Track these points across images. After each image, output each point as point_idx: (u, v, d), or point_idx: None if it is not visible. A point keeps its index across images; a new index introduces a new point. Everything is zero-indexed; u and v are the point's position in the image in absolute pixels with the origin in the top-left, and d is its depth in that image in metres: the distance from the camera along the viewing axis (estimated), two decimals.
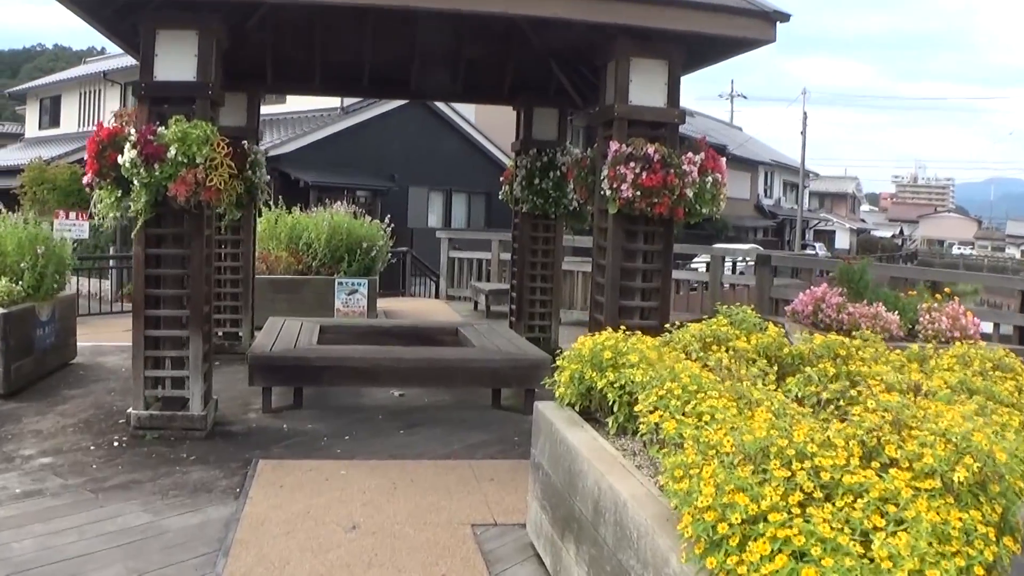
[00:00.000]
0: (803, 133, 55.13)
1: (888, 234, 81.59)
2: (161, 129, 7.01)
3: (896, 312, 9.41)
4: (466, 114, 31.08)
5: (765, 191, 59.45)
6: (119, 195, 7.25)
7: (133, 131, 7.07)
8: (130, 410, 7.51)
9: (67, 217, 13.44)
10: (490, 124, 31.83)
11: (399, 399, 8.99)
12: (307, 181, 25.05)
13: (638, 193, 7.31)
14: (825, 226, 68.92)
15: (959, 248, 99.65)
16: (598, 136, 8.23)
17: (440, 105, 29.59)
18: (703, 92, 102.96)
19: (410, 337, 10.12)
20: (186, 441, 7.28)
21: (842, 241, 67.63)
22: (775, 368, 4.98)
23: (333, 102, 27.58)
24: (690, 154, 7.57)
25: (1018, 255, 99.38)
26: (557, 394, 5.15)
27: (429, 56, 11.14)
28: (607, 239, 7.78)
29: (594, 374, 4.85)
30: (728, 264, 28.40)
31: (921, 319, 9.42)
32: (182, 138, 6.88)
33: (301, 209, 15.51)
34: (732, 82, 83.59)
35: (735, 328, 5.56)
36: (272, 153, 24.61)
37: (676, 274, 15.54)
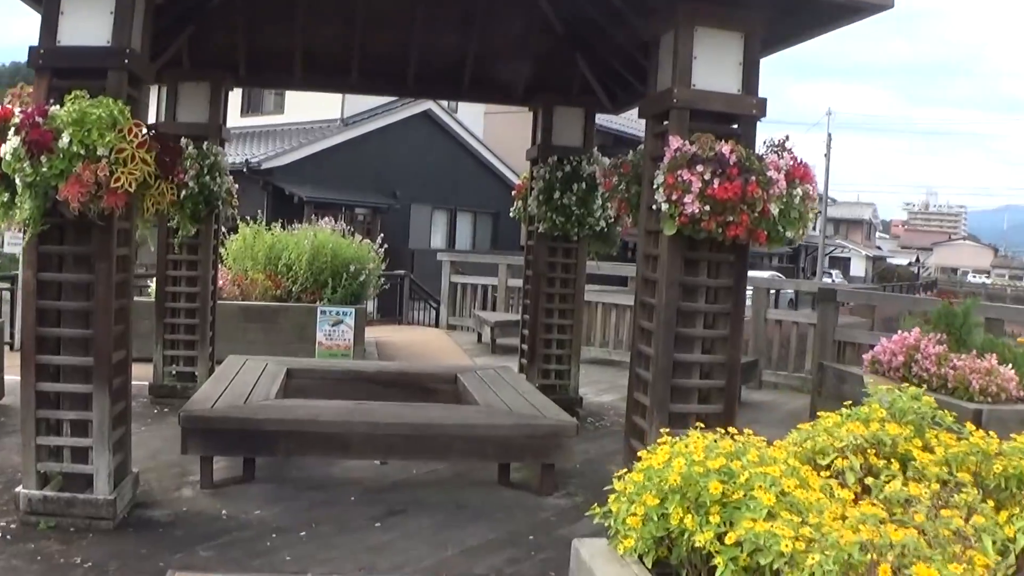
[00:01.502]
0: (827, 156, 53.25)
1: (904, 261, 79.51)
2: (55, 108, 5.05)
3: (1011, 366, 7.47)
4: (474, 128, 29.11)
5: None
6: (5, 199, 5.28)
7: (18, 111, 5.10)
8: (19, 489, 5.52)
9: None
10: (499, 140, 29.95)
11: (380, 467, 6.97)
12: (302, 196, 23.07)
13: (707, 208, 5.39)
14: (841, 253, 66.92)
15: (974, 276, 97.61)
16: (646, 133, 6.26)
17: (446, 118, 27.65)
18: None
19: (398, 385, 8.14)
20: (89, 534, 5.34)
21: (857, 268, 65.67)
22: (991, 503, 2.95)
23: (332, 113, 25.60)
24: (774, 158, 5.60)
25: None
26: (617, 546, 3.12)
27: (430, 46, 9.21)
28: (658, 270, 5.84)
29: (688, 517, 2.83)
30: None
31: None
32: (78, 120, 4.94)
33: (282, 226, 13.42)
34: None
35: (898, 422, 3.53)
36: (265, 166, 22.99)
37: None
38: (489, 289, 15.93)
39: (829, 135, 53.76)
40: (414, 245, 26.74)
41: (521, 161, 27.90)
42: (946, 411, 4.20)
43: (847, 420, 3.65)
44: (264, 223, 13.41)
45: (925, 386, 7.42)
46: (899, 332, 8.19)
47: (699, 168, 5.38)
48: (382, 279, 13.78)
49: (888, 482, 3.03)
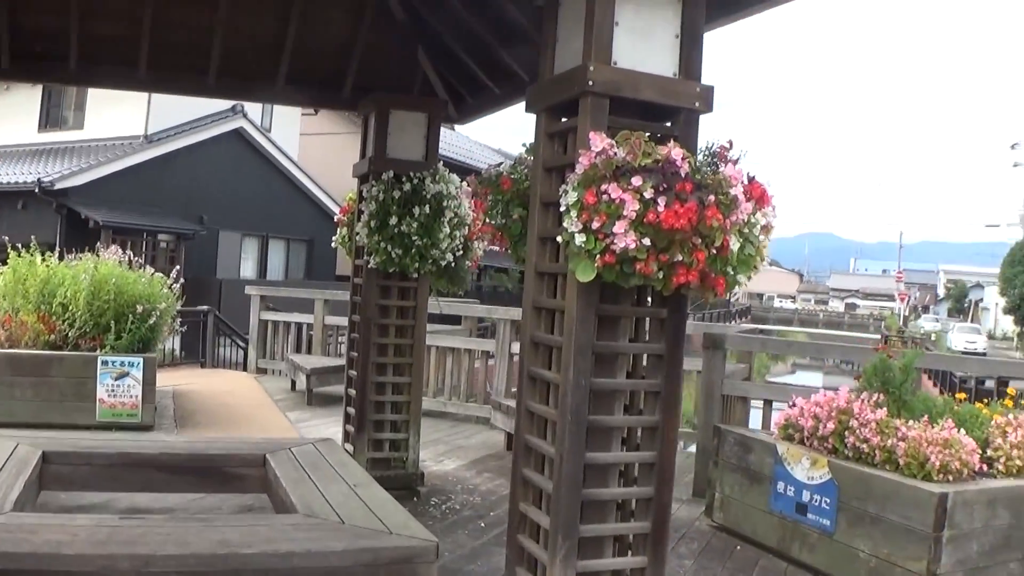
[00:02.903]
0: None
1: None
2: None
3: (963, 432, 5.93)
4: (288, 149, 26.63)
5: None
6: None
7: None
8: None
9: None
10: (314, 163, 27.66)
11: None
12: (98, 220, 20.22)
13: (645, 241, 3.45)
14: None
15: (780, 301, 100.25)
16: (538, 132, 4.31)
17: (259, 137, 25.14)
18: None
19: (190, 472, 5.91)
20: None
21: None
22: None
23: (136, 128, 22.71)
24: (732, 170, 3.73)
25: (842, 308, 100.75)
26: None
27: (238, 32, 7.12)
28: (565, 331, 3.93)
29: None
30: None
31: (996, 440, 6.02)
32: None
33: (75, 254, 10.76)
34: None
35: None
36: (59, 186, 20.19)
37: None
38: (304, 327, 13.63)
39: None
40: (223, 275, 24.10)
41: (339, 186, 25.54)
42: None
43: None
44: (56, 251, 10.77)
45: (870, 459, 5.85)
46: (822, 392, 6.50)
47: (635, 182, 3.47)
48: (178, 320, 11.31)
49: None
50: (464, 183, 7.05)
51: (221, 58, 7.13)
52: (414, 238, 6.75)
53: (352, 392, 7.21)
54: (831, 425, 6.08)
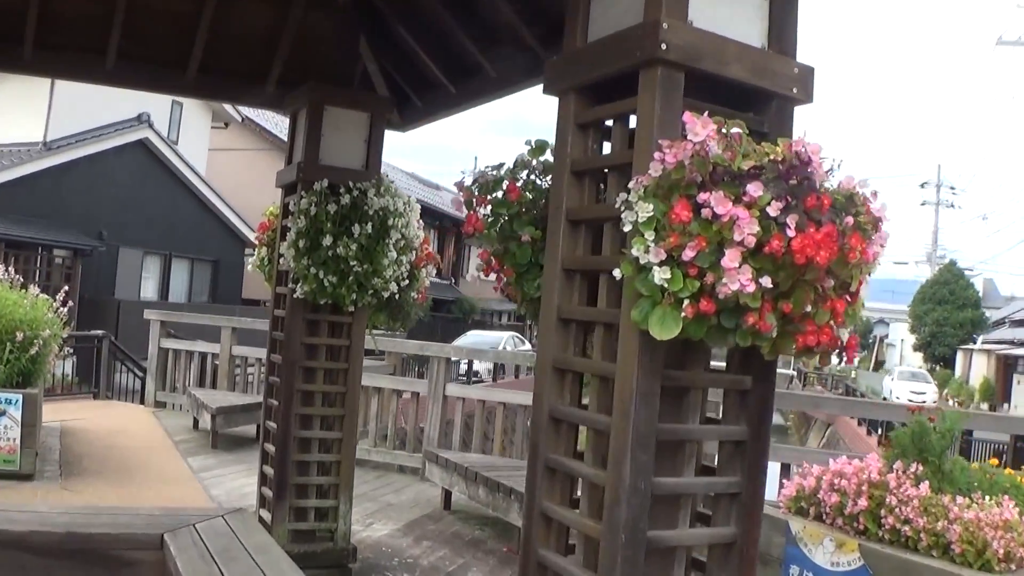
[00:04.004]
0: None
1: None
2: None
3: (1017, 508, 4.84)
4: (195, 163, 24.83)
5: None
6: None
7: None
8: None
9: None
10: (222, 178, 25.98)
11: None
12: None
13: (764, 283, 2.23)
14: None
15: None
16: (563, 124, 2.98)
17: (165, 150, 23.33)
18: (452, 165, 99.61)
19: (70, 557, 4.46)
20: None
21: None
22: None
23: (35, 135, 20.74)
24: (847, 180, 2.48)
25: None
26: None
27: (144, 8, 5.71)
28: (622, 409, 2.65)
29: None
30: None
31: None
32: None
33: None
34: (476, 158, 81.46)
35: None
36: None
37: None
38: (209, 358, 12.04)
39: None
40: (122, 295, 22.23)
41: (248, 204, 23.90)
42: None
43: None
44: None
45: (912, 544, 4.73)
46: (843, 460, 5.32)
47: (752, 190, 2.23)
48: (66, 348, 9.68)
49: None
50: (410, 201, 5.76)
51: (122, 38, 5.71)
52: (352, 263, 5.38)
53: (270, 448, 5.79)
54: (863, 502, 4.91)
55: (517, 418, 9.33)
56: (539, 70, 5.17)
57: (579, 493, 2.92)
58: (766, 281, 2.20)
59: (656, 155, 2.38)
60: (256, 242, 6.46)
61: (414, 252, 5.81)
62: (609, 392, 2.64)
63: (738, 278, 2.17)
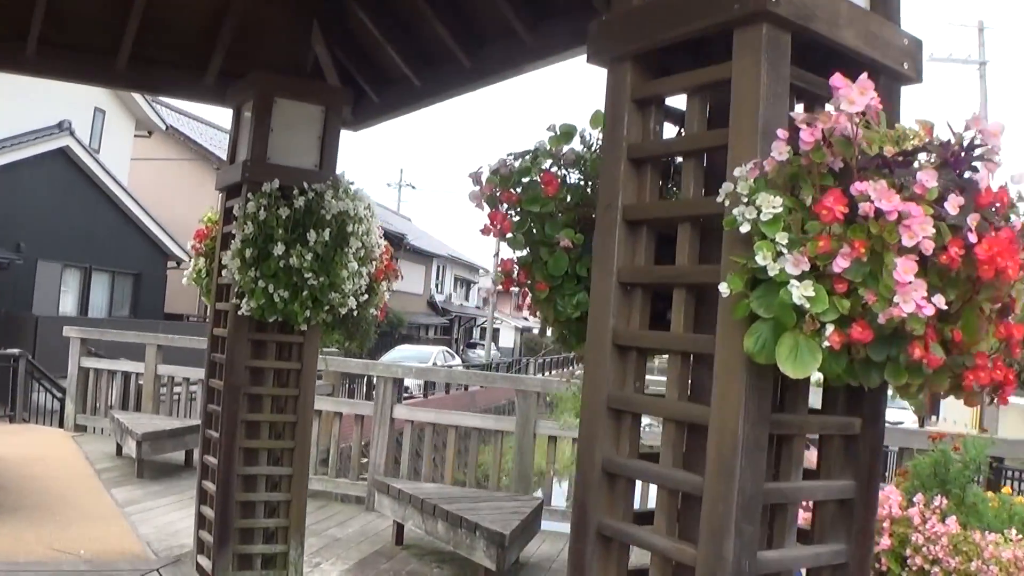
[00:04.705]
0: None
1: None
2: None
3: None
4: (117, 173, 23.62)
5: (437, 286, 54.55)
6: None
7: None
8: None
9: None
10: (145, 189, 24.81)
11: None
12: None
13: (938, 302, 1.56)
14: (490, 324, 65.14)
15: None
16: (618, 96, 2.31)
17: (86, 159, 22.04)
18: (375, 179, 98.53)
19: None
20: None
21: (508, 339, 63.95)
22: None
23: None
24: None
25: None
26: None
27: None
28: (723, 466, 2.00)
29: None
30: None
31: None
32: None
33: None
34: (401, 171, 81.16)
35: None
36: None
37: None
38: (133, 378, 11.10)
39: None
40: (40, 310, 20.92)
41: (171, 216, 22.79)
42: None
43: None
44: None
45: None
46: None
47: (924, 179, 1.58)
48: None
49: None
50: (371, 206, 5.07)
51: (44, 23, 4.94)
52: (307, 275, 4.67)
53: (210, 487, 5.04)
54: (886, 541, 4.34)
55: (470, 441, 8.68)
56: (520, 59, 4.60)
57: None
58: (940, 300, 1.60)
59: (779, 133, 1.76)
60: (192, 252, 5.71)
61: (373, 263, 5.14)
62: (694, 442, 2.01)
63: (912, 297, 1.56)
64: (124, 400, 11.00)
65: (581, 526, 2.26)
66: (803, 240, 1.69)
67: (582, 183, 2.52)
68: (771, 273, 1.69)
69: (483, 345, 53.67)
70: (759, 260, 1.70)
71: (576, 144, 2.60)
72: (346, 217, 4.81)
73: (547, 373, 50.13)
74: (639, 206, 2.21)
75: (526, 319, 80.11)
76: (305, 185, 4.80)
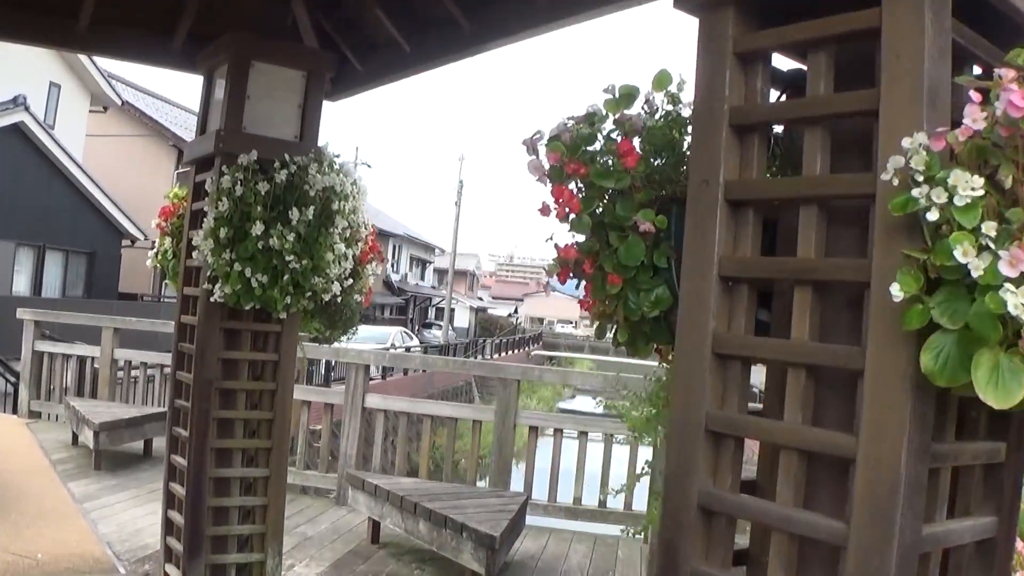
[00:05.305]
0: (458, 203, 50.66)
1: (504, 312, 78.95)
2: None
3: None
4: (72, 150, 22.74)
5: (393, 266, 53.86)
6: None
7: None
8: None
9: None
10: (100, 167, 24.03)
11: None
12: None
13: None
14: (444, 303, 64.62)
15: (561, 327, 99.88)
16: (714, 53, 1.87)
17: (40, 134, 21.16)
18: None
19: None
20: None
21: (462, 319, 63.52)
22: None
23: None
24: None
25: None
26: None
27: None
28: (879, 511, 1.50)
29: None
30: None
31: None
32: None
33: None
34: (357, 149, 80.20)
35: None
36: None
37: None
38: (89, 362, 10.50)
39: (461, 182, 51.34)
40: None
41: (125, 194, 22.04)
42: None
43: None
44: None
45: None
46: None
47: None
48: None
49: None
50: (358, 181, 4.60)
51: None
52: (289, 258, 4.20)
53: (178, 490, 4.55)
54: None
55: (447, 431, 8.27)
56: (531, 19, 4.15)
57: None
58: None
59: (973, 96, 1.34)
60: (157, 231, 5.20)
61: (359, 244, 4.68)
62: (814, 475, 1.59)
63: None
64: (80, 385, 10.39)
65: (670, 572, 1.83)
66: (1012, 233, 1.27)
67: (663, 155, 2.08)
68: (975, 274, 1.28)
69: (439, 325, 53.33)
70: (958, 257, 1.28)
71: (638, 106, 2.17)
72: (332, 193, 4.32)
73: (504, 354, 49.86)
74: (746, 183, 1.78)
75: (480, 299, 79.61)
76: (287, 157, 4.31)
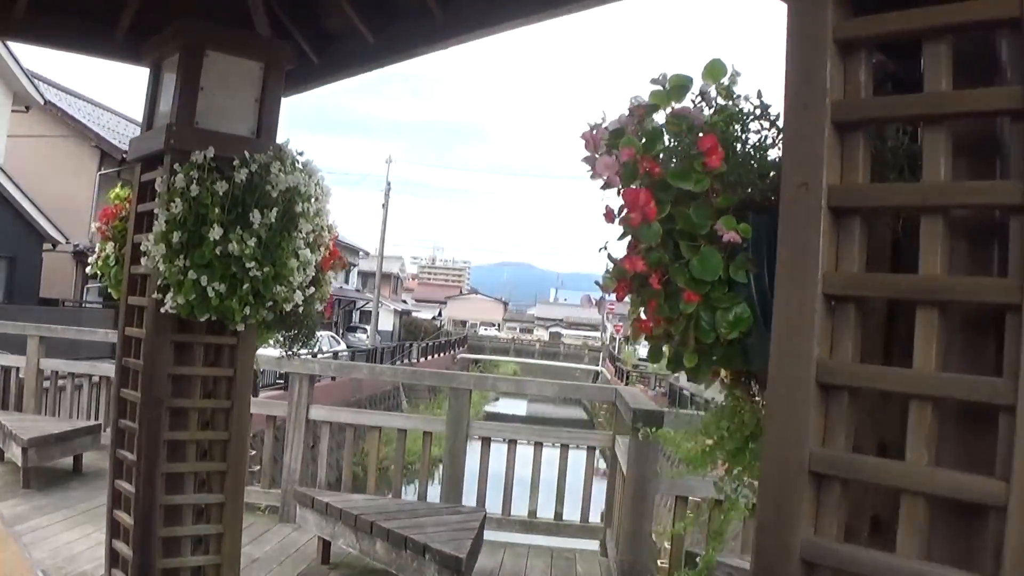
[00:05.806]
0: (385, 206, 50.17)
1: (428, 315, 78.58)
2: None
3: None
4: None
5: None
6: None
7: None
8: None
9: None
10: (22, 170, 23.14)
11: None
12: None
13: None
14: (369, 306, 63.97)
15: (484, 329, 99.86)
16: (813, 32, 1.59)
17: None
18: None
19: None
20: None
21: (387, 323, 62.95)
22: None
23: None
24: None
25: (547, 337, 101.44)
26: None
27: None
28: None
29: None
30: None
31: None
32: None
33: None
34: (288, 140, 78.85)
35: None
36: None
37: None
38: (13, 373, 9.94)
39: (388, 184, 50.86)
40: None
41: (48, 196, 21.26)
42: None
43: None
44: None
45: None
46: None
47: None
48: None
49: None
50: (321, 182, 4.29)
51: None
52: (249, 265, 3.85)
53: (125, 519, 4.17)
54: None
55: (396, 445, 7.95)
56: (500, 16, 3.89)
57: None
58: None
59: None
60: (99, 234, 4.80)
61: (322, 249, 4.37)
62: (939, 518, 1.35)
63: None
64: (4, 398, 9.84)
65: None
66: None
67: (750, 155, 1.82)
68: None
69: (364, 329, 52.90)
70: None
71: (688, 100, 1.91)
72: (295, 194, 3.99)
73: (429, 357, 49.55)
74: (853, 188, 1.52)
75: (405, 302, 79.03)
76: (247, 155, 3.97)
